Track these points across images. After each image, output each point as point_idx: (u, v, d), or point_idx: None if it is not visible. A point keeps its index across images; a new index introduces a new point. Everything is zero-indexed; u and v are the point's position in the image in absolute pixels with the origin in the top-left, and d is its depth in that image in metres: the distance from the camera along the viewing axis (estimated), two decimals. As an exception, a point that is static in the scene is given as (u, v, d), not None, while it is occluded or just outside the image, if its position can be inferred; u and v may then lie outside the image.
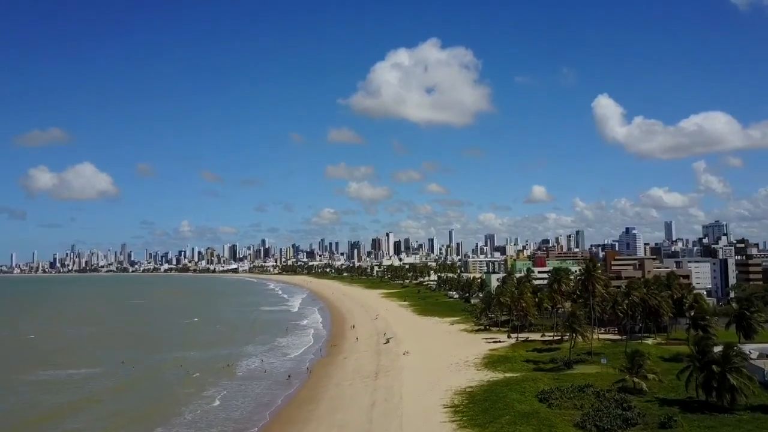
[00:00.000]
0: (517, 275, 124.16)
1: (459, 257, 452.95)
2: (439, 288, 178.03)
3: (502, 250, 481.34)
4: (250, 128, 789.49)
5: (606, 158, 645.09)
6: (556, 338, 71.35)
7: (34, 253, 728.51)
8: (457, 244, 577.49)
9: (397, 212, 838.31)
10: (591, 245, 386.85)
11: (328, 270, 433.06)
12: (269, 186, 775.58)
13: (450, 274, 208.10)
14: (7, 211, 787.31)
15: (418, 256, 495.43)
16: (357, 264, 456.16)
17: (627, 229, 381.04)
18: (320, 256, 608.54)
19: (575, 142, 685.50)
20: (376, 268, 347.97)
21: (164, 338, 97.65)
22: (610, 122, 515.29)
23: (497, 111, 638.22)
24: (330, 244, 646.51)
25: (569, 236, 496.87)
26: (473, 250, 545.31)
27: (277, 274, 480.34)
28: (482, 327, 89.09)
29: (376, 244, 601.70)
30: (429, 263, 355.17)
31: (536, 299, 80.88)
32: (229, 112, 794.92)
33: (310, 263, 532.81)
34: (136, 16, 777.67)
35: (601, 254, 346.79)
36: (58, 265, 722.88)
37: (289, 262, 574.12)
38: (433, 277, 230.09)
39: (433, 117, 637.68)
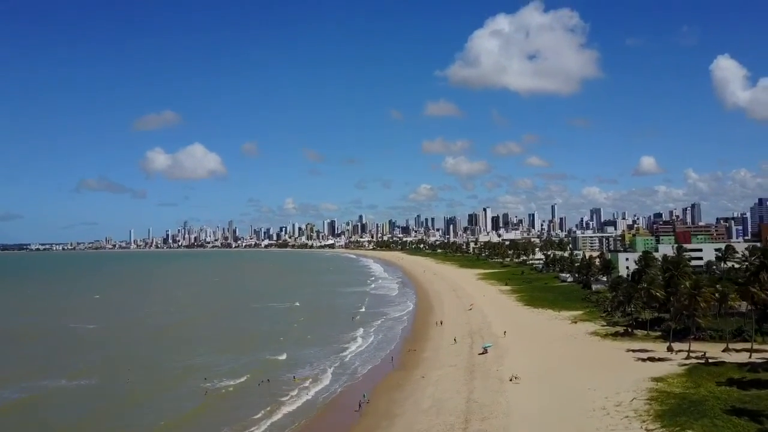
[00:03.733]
0: (655, 254, 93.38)
1: (563, 233, 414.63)
2: (547, 269, 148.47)
3: (610, 225, 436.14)
4: (351, 107, 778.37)
5: (724, 125, 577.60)
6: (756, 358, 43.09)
7: (149, 230, 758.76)
8: (561, 219, 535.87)
9: (496, 187, 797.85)
10: (718, 219, 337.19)
11: (422, 246, 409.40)
12: (369, 163, 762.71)
13: (559, 252, 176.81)
14: (130, 192, 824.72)
15: (518, 232, 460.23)
16: (452, 240, 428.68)
17: (760, 200, 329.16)
18: (415, 232, 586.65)
19: (690, 108, 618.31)
20: (472, 245, 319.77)
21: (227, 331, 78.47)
22: (731, 85, 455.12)
23: (605, 77, 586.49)
24: (426, 220, 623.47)
25: (685, 210, 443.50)
26: (577, 225, 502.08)
27: (371, 249, 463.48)
28: (621, 329, 61.24)
29: (472, 219, 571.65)
30: (532, 239, 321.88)
31: (716, 294, 51.93)
32: (330, 91, 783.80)
33: (405, 239, 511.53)
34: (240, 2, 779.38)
35: (734, 229, 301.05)
36: (170, 240, 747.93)
37: (384, 238, 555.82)
38: (538, 255, 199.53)
39: (535, 86, 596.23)
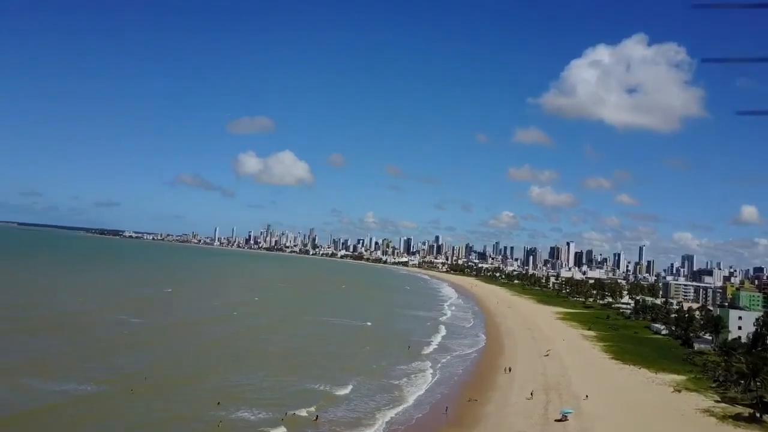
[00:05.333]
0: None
1: (652, 277, 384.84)
2: (636, 315, 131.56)
3: (705, 274, 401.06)
4: (437, 126, 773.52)
5: None
6: None
7: (233, 229, 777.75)
8: (648, 262, 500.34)
9: (581, 222, 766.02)
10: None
11: (498, 275, 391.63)
12: (450, 184, 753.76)
13: (650, 298, 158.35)
14: (220, 190, 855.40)
15: (602, 271, 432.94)
16: (531, 272, 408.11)
17: None
18: (492, 259, 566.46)
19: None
20: (552, 279, 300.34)
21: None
22: None
23: (709, 117, 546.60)
24: (504, 248, 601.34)
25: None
26: (666, 270, 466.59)
27: (444, 272, 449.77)
28: (744, 411, 47.21)
29: (554, 252, 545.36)
30: (619, 280, 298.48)
31: None
32: (418, 109, 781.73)
33: (480, 265, 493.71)
34: (336, 16, 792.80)
35: None
36: (251, 241, 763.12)
37: (459, 262, 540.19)
38: (625, 299, 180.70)
39: (632, 120, 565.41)
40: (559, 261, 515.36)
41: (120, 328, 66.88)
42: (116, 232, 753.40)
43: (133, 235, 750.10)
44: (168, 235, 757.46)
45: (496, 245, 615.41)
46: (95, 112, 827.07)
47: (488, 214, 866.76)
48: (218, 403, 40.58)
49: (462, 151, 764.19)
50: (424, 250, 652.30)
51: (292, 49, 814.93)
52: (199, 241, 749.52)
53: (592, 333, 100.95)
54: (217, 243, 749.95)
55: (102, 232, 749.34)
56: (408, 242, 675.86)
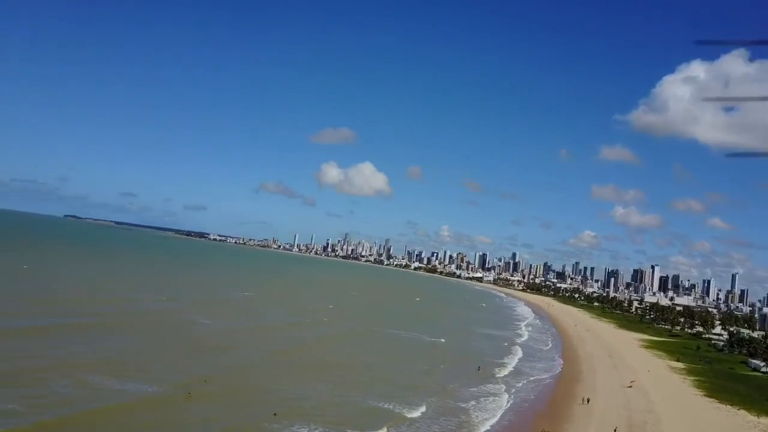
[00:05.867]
0: None
1: (745, 307, 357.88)
2: (731, 349, 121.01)
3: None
4: (517, 141, 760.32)
5: None
6: None
7: (312, 236, 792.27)
8: (742, 291, 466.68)
9: (667, 245, 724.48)
10: None
11: (576, 296, 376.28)
12: (529, 200, 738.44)
13: (746, 331, 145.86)
14: (302, 198, 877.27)
15: (690, 297, 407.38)
16: (612, 295, 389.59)
17: None
18: (571, 279, 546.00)
19: None
20: (635, 304, 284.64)
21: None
22: None
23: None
24: (584, 268, 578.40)
25: None
26: (762, 301, 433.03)
27: (520, 290, 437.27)
28: None
29: (637, 276, 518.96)
30: (709, 308, 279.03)
31: None
32: (497, 123, 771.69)
33: (558, 285, 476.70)
34: (418, 31, 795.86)
35: None
36: (329, 249, 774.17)
37: (536, 280, 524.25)
38: (718, 329, 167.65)
39: (728, 140, 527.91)
40: (642, 285, 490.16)
41: (193, 329, 67.05)
42: (202, 235, 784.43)
43: (218, 238, 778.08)
44: (250, 239, 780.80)
45: (575, 265, 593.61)
46: (187, 120, 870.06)
47: (568, 233, 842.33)
48: (274, 414, 38.85)
49: (543, 166, 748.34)
50: (499, 266, 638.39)
51: (376, 62, 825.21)
52: (279, 246, 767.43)
53: (680, 365, 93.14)
54: (296, 249, 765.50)
55: (189, 233, 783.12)
56: (483, 257, 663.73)
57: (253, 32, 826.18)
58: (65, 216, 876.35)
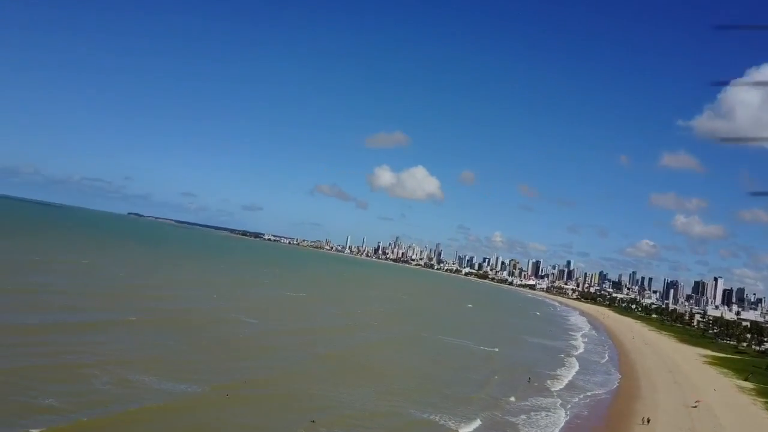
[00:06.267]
0: None
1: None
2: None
3: None
4: (574, 146, 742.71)
5: None
6: None
7: (363, 239, 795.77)
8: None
9: (732, 257, 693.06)
10: None
11: (633, 306, 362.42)
12: (585, 206, 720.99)
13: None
14: (355, 201, 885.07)
15: (756, 312, 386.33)
16: (672, 307, 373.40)
17: None
18: (628, 289, 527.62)
19: None
20: (697, 317, 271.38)
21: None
22: None
23: None
24: (642, 278, 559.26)
25: None
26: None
27: (574, 299, 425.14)
28: None
29: (698, 288, 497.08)
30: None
31: None
32: (554, 128, 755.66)
33: (614, 295, 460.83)
34: (473, 39, 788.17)
35: None
36: (380, 252, 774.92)
37: (591, 290, 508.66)
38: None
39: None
40: (704, 297, 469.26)
41: (240, 329, 66.22)
42: (257, 235, 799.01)
43: (272, 238, 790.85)
44: (303, 240, 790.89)
45: (632, 275, 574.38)
46: (246, 123, 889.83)
47: (626, 242, 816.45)
48: (312, 421, 37.13)
49: (601, 173, 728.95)
50: (553, 274, 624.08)
51: (431, 67, 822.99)
52: (332, 248, 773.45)
53: (749, 385, 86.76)
54: (347, 251, 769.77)
55: (244, 233, 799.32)
56: (536, 265, 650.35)
57: (312, 37, 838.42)
58: (129, 214, 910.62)
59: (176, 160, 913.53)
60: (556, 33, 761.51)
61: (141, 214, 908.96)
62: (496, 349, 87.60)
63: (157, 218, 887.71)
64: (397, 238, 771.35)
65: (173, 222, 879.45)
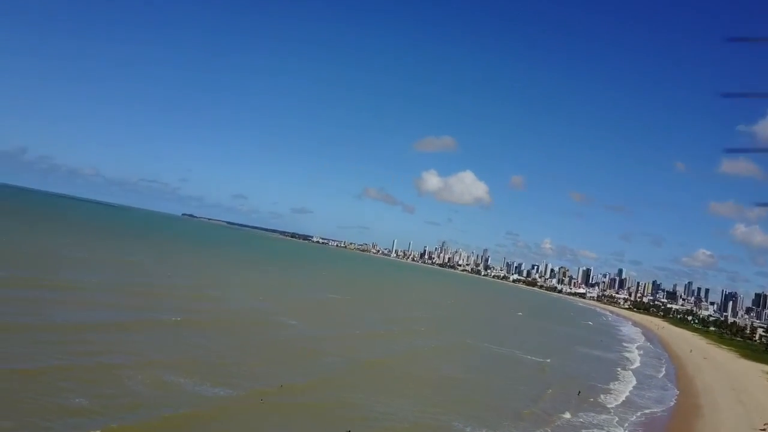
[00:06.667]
0: None
1: None
2: None
3: None
4: (628, 151, 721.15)
5: None
6: None
7: (410, 243, 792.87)
8: None
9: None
10: None
11: (689, 318, 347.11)
12: (639, 214, 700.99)
13: None
14: (401, 205, 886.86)
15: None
16: (731, 320, 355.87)
17: None
18: (684, 300, 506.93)
19: None
20: (759, 331, 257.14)
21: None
22: None
23: None
24: (698, 289, 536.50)
25: None
26: None
27: (626, 308, 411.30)
28: None
29: (760, 301, 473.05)
30: None
31: None
32: (607, 133, 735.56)
33: (669, 305, 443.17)
34: (524, 47, 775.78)
35: None
36: (426, 256, 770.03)
37: (644, 299, 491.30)
38: None
39: None
40: (765, 311, 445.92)
41: (282, 332, 64.75)
42: (305, 237, 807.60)
43: (320, 240, 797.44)
44: (350, 243, 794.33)
45: (688, 285, 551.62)
46: (295, 126, 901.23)
47: (681, 251, 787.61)
48: (348, 431, 35.02)
49: (656, 179, 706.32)
50: (604, 282, 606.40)
51: (480, 70, 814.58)
52: (378, 251, 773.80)
53: (823, 408, 79.81)
54: (393, 255, 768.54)
55: (293, 235, 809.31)
56: (587, 273, 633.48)
57: (360, 40, 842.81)
58: (183, 215, 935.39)
59: (229, 163, 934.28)
60: (608, 40, 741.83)
61: (194, 215, 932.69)
62: (548, 360, 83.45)
63: (209, 219, 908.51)
64: (443, 242, 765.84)
65: (225, 223, 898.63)
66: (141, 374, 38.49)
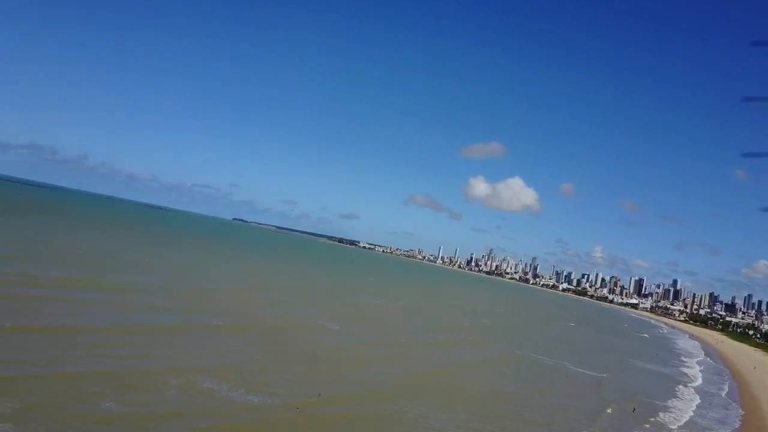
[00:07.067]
0: None
1: None
2: None
3: None
4: (684, 159, 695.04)
5: None
6: None
7: (456, 250, 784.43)
8: None
9: None
10: None
11: (750, 332, 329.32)
12: (695, 223, 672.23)
13: None
14: (448, 212, 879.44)
15: None
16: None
17: None
18: (743, 314, 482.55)
19: None
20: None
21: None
22: None
23: None
24: (759, 302, 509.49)
25: None
26: None
27: (682, 321, 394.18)
28: None
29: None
30: None
31: None
32: (660, 140, 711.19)
33: (728, 318, 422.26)
34: (573, 53, 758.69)
35: None
36: (472, 263, 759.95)
37: (701, 312, 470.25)
38: None
39: None
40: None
41: (324, 338, 62.68)
42: (352, 242, 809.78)
43: (367, 246, 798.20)
44: (397, 248, 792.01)
45: (748, 298, 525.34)
46: (344, 132, 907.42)
47: (740, 262, 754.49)
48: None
49: (714, 188, 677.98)
50: (657, 293, 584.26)
51: (529, 76, 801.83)
52: (424, 257, 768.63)
53: None
54: (439, 261, 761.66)
55: (341, 240, 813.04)
56: (639, 283, 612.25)
57: (409, 46, 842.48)
58: (233, 219, 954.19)
59: (279, 169, 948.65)
60: (660, 50, 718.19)
61: (245, 219, 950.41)
62: (604, 375, 78.59)
63: (259, 224, 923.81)
64: (491, 250, 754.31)
65: (274, 228, 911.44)
66: (176, 379, 36.97)
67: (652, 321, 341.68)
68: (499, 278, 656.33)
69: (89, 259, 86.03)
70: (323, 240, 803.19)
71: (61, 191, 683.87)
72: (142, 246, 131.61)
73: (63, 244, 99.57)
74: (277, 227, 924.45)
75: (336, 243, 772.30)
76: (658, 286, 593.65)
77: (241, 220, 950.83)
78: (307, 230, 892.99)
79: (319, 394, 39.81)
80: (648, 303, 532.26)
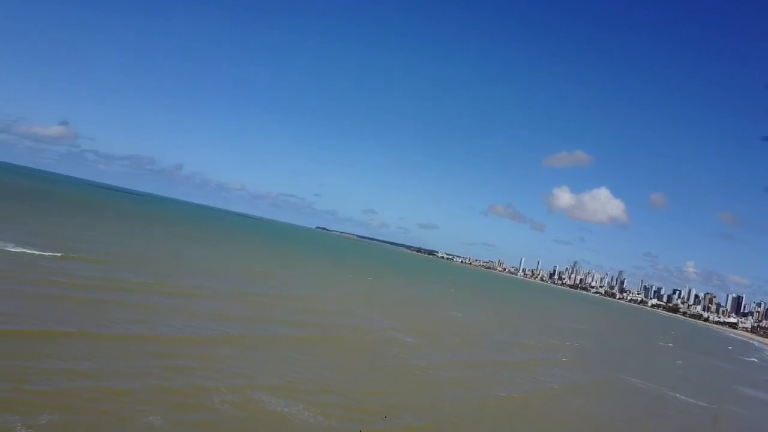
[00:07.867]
0: None
1: None
2: None
3: None
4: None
5: None
6: None
7: (538, 262, 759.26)
8: None
9: None
10: None
11: None
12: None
13: None
14: (530, 222, 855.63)
15: None
16: None
17: None
18: None
19: None
20: None
21: None
22: None
23: None
24: None
25: None
26: None
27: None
28: None
29: None
30: None
31: None
32: (756, 151, 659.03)
33: None
34: (667, 62, 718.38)
35: None
36: (555, 276, 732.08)
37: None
38: None
39: None
40: None
41: (397, 353, 57.73)
42: (431, 252, 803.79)
43: (445, 256, 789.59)
44: (475, 259, 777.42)
45: None
46: (423, 144, 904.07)
47: None
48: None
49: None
50: (758, 312, 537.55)
51: (612, 85, 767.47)
52: (504, 269, 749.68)
53: None
54: (520, 273, 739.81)
55: (419, 250, 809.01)
56: (738, 300, 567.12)
57: (490, 53, 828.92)
58: (316, 227, 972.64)
59: (361, 179, 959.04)
60: (747, 55, 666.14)
61: (327, 228, 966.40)
62: (715, 406, 68.60)
63: (341, 233, 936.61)
64: (575, 262, 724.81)
65: (355, 237, 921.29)
66: (232, 395, 33.33)
67: (755, 343, 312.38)
68: (584, 292, 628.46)
69: (174, 265, 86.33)
70: (402, 249, 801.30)
71: (158, 199, 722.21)
72: (228, 252, 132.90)
73: (153, 249, 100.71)
74: (358, 236, 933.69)
75: (414, 252, 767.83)
76: (759, 305, 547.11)
77: (324, 228, 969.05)
78: (387, 239, 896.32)
79: (386, 417, 34.95)
80: (748, 322, 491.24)
